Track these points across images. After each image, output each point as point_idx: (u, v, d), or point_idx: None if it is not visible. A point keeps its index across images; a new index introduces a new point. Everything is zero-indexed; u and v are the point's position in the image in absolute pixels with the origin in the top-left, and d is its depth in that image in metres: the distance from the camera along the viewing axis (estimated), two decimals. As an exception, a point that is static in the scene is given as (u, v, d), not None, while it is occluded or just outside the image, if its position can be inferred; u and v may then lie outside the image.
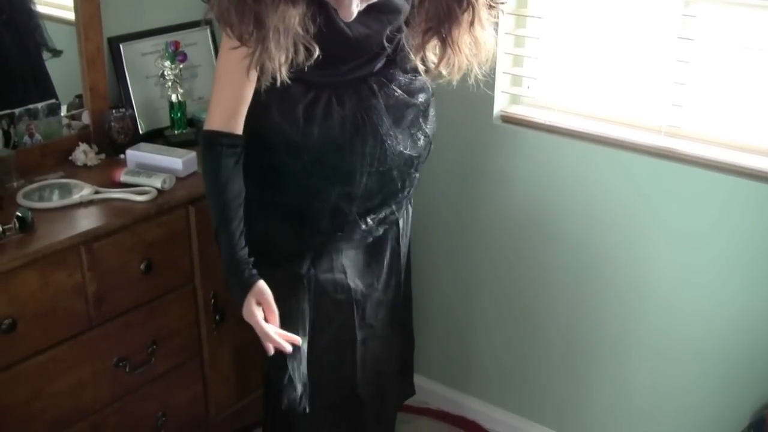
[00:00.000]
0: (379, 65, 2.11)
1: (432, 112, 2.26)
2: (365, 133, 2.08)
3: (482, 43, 1.96)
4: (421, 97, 2.18)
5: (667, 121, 2.59)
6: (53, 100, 2.68)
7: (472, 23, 1.90)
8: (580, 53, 2.75)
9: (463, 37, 1.92)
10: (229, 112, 2.00)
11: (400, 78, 2.15)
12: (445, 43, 1.92)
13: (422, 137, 2.21)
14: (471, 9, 1.88)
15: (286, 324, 2.12)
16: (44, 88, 2.70)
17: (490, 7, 1.95)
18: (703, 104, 2.56)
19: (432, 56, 1.99)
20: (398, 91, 2.12)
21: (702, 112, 2.57)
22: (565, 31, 2.75)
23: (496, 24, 2.01)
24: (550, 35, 2.76)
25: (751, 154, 2.46)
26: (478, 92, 2.74)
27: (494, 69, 2.76)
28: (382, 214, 2.24)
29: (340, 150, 2.07)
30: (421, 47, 1.97)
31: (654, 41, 2.61)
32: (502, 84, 2.83)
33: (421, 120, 2.20)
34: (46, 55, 2.70)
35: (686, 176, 2.52)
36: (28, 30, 2.71)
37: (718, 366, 2.61)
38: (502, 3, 2.03)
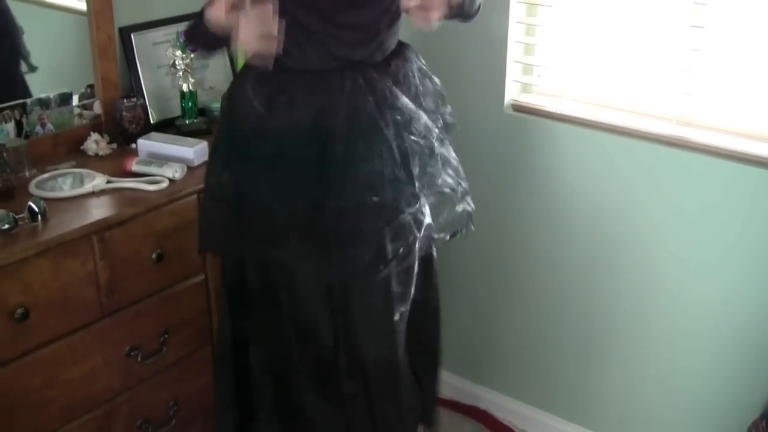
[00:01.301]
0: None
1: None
2: None
3: None
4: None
5: (679, 109, 2.58)
6: (65, 90, 2.68)
7: None
8: (590, 42, 2.74)
9: None
10: None
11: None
12: None
13: None
14: None
15: None
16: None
17: None
18: (715, 93, 2.55)
19: None
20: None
21: (714, 101, 2.56)
22: (575, 19, 2.74)
23: None
24: (561, 24, 2.75)
25: (762, 142, 2.45)
26: (489, 81, 2.77)
27: (504, 58, 2.76)
28: None
29: None
30: None
31: (665, 29, 2.60)
32: (512, 73, 2.82)
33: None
34: (24, 67, 2.68)
35: (698, 165, 2.52)
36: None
37: (731, 356, 2.61)
38: None
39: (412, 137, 2.09)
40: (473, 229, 2.36)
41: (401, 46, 2.21)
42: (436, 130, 2.18)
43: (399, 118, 2.07)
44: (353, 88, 2.03)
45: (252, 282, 2.28)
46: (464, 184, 2.30)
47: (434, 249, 2.29)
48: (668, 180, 2.59)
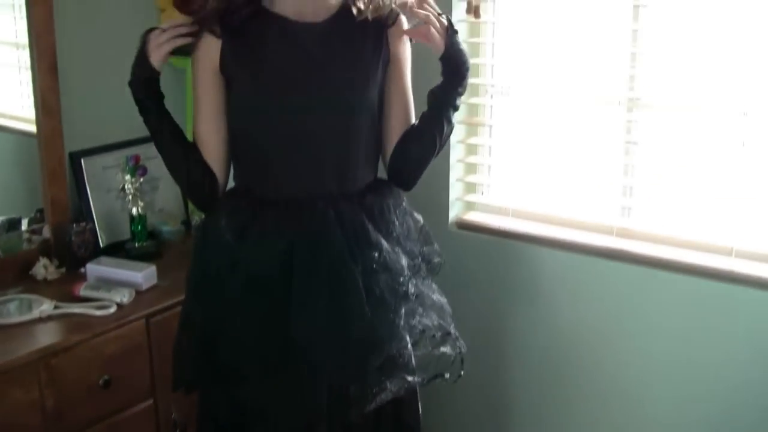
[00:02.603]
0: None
1: None
2: None
3: None
4: None
5: (618, 222, 2.67)
6: (13, 215, 2.71)
7: None
8: (531, 158, 2.85)
9: None
10: None
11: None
12: None
13: None
14: None
15: None
16: None
17: None
18: (653, 205, 2.65)
19: None
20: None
21: (651, 213, 2.66)
22: (516, 137, 2.84)
23: None
24: (502, 142, 2.85)
25: (700, 252, 2.55)
26: (432, 200, 2.83)
27: (447, 177, 2.84)
28: None
29: None
30: None
31: (602, 145, 2.71)
32: (455, 192, 2.90)
33: None
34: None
35: (638, 276, 2.59)
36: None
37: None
38: None
39: (383, 275, 2.00)
40: (462, 374, 2.14)
41: (380, 182, 2.15)
42: (415, 269, 2.09)
43: (369, 254, 1.99)
44: (323, 222, 1.99)
45: (224, 417, 2.17)
46: (450, 327, 2.14)
47: (412, 390, 2.14)
48: (609, 292, 2.65)
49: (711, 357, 2.52)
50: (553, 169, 2.83)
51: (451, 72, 2.04)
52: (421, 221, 2.19)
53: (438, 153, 2.13)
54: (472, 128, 2.89)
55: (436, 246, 2.21)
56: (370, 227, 2.02)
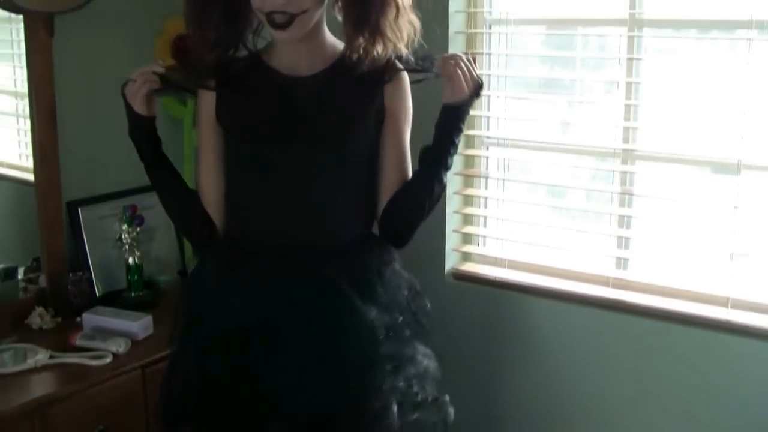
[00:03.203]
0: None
1: None
2: None
3: (405, 32, 1.96)
4: None
5: (614, 273, 2.68)
6: (10, 264, 2.70)
7: (397, 13, 1.92)
8: (527, 209, 2.87)
9: (388, 26, 1.92)
10: None
11: None
12: (374, 32, 1.91)
13: None
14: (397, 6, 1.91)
15: None
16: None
17: None
18: (648, 256, 2.67)
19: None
20: None
21: (647, 264, 2.68)
22: (512, 188, 2.86)
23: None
24: (498, 193, 2.87)
25: (696, 302, 2.56)
26: (428, 251, 2.84)
27: (444, 228, 2.85)
28: None
29: None
30: (353, 39, 1.93)
31: (598, 196, 2.74)
32: (452, 242, 2.91)
33: None
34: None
35: (634, 327, 2.60)
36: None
37: None
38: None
39: (354, 335, 1.95)
40: None
41: (371, 238, 2.11)
42: (397, 330, 2.02)
43: (342, 311, 1.96)
44: (296, 277, 1.97)
45: None
46: (427, 393, 2.02)
47: None
48: (606, 341, 2.66)
49: (707, 407, 2.52)
50: (549, 220, 2.85)
51: (448, 127, 1.99)
52: (413, 281, 2.13)
53: (429, 212, 2.07)
54: (469, 179, 2.91)
55: (427, 306, 2.14)
56: (344, 284, 1.98)
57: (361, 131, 2.00)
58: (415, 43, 1.97)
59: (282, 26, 1.87)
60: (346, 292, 1.98)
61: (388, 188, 2.04)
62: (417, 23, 1.96)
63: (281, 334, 1.95)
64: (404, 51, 1.96)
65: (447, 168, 2.03)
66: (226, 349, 1.97)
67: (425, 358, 2.06)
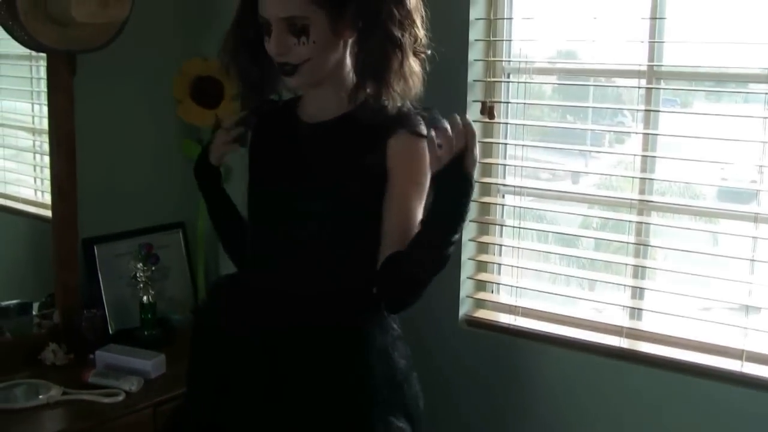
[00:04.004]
0: None
1: None
2: None
3: (410, 82, 1.92)
4: None
5: (628, 323, 2.68)
6: (25, 299, 2.71)
7: (401, 67, 1.89)
8: (542, 258, 2.88)
9: (395, 80, 1.89)
10: None
11: None
12: (378, 83, 1.89)
13: None
14: (400, 57, 1.88)
15: None
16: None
17: (415, 54, 1.94)
18: (662, 306, 2.67)
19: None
20: None
21: (661, 315, 2.67)
22: (527, 236, 2.87)
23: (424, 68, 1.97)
24: (514, 241, 2.88)
25: (710, 354, 2.55)
26: (442, 297, 2.84)
27: (458, 275, 2.86)
28: None
29: None
30: (356, 88, 1.92)
31: (613, 247, 2.75)
32: (466, 289, 2.91)
33: None
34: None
35: (647, 378, 2.58)
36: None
37: None
38: (425, 53, 1.96)
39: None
40: None
41: (369, 309, 1.97)
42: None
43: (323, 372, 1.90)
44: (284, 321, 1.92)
45: None
46: None
47: None
48: (618, 393, 2.65)
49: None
50: (564, 269, 2.86)
51: (444, 203, 1.80)
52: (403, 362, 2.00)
53: (423, 286, 1.87)
54: (484, 227, 2.93)
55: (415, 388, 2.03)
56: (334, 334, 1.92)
57: (357, 184, 1.91)
58: (417, 97, 1.93)
59: (288, 73, 1.90)
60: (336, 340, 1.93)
61: (385, 249, 1.89)
62: (419, 78, 1.92)
63: (274, 387, 1.91)
64: (408, 105, 1.93)
65: (446, 242, 1.81)
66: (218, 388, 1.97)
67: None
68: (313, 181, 1.95)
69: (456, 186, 1.76)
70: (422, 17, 1.94)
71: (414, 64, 1.92)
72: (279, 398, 1.90)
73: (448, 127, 1.73)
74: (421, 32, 1.93)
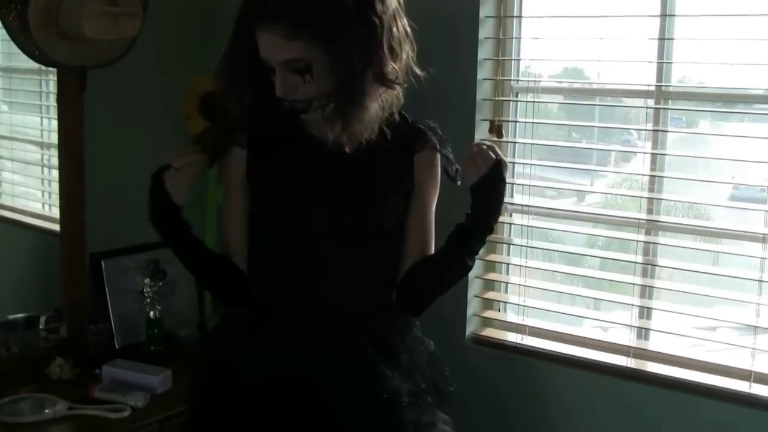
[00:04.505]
0: None
1: None
2: None
3: (370, 115, 1.90)
4: None
5: (635, 342, 2.68)
6: (32, 314, 2.71)
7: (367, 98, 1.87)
8: (549, 275, 2.88)
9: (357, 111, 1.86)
10: None
11: None
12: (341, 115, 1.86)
13: None
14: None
15: None
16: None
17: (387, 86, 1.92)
18: (670, 327, 2.67)
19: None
20: None
21: (669, 335, 2.67)
22: (535, 255, 2.87)
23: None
24: (521, 260, 2.88)
25: (718, 375, 2.54)
26: (449, 315, 2.84)
27: (466, 293, 2.86)
28: None
29: None
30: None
31: (620, 266, 2.75)
32: (473, 308, 2.91)
33: None
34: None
35: (654, 398, 2.58)
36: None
37: None
38: (398, 84, 1.93)
39: (377, 401, 1.94)
40: None
41: (390, 303, 2.06)
42: (419, 397, 2.00)
43: (364, 375, 1.96)
44: (326, 340, 1.96)
45: None
46: None
47: None
48: (626, 412, 2.64)
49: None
50: (571, 288, 2.85)
51: (473, 209, 1.96)
52: (432, 347, 2.13)
53: (445, 290, 2.05)
54: (491, 245, 2.93)
55: (447, 372, 2.13)
56: (370, 351, 1.97)
57: (388, 204, 1.99)
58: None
59: (302, 111, 1.87)
60: (370, 359, 1.97)
61: (408, 259, 2.02)
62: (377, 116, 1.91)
63: (305, 400, 1.93)
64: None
65: (471, 251, 1.99)
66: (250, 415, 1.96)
67: (444, 425, 2.06)
68: (350, 202, 1.97)
69: (495, 188, 1.94)
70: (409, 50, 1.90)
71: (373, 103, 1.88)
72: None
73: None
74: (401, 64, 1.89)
